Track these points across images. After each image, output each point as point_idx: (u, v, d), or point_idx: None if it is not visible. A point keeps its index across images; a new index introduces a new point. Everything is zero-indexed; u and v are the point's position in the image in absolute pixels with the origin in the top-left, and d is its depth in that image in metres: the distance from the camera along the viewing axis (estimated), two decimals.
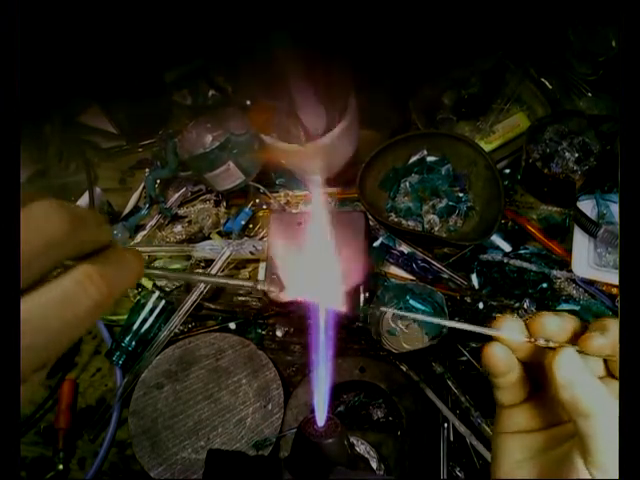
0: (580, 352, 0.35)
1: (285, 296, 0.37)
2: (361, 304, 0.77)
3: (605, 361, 0.37)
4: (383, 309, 0.77)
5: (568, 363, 0.34)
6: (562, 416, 0.39)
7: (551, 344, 0.36)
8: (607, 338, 0.35)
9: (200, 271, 0.89)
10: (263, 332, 0.83)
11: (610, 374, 0.37)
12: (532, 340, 0.36)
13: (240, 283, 0.38)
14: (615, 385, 0.35)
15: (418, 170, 0.88)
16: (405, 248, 0.85)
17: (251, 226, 0.94)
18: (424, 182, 0.87)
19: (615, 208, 0.79)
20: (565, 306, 0.77)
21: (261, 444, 0.74)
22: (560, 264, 0.80)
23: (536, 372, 0.39)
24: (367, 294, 0.78)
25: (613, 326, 0.35)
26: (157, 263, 0.91)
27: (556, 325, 0.36)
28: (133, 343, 0.84)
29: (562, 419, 0.38)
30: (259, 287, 0.36)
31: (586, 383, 0.33)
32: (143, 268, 0.31)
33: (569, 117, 0.81)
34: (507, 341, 0.37)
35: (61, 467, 0.80)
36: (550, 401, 0.39)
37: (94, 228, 0.28)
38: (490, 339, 0.38)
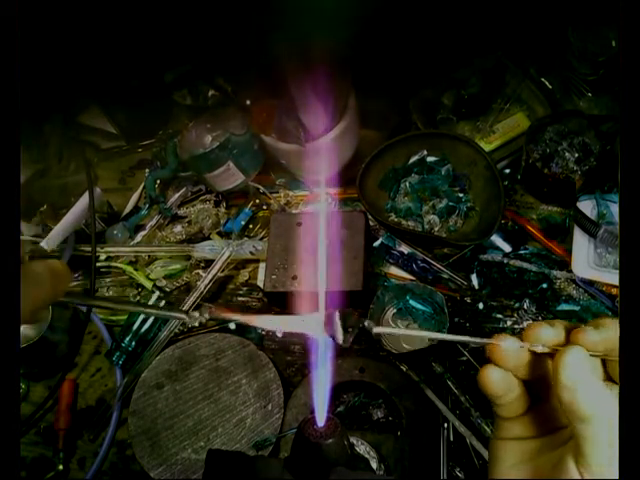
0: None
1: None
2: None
3: (604, 363, 0.36)
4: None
5: (574, 363, 0.33)
6: (559, 424, 0.38)
7: (547, 349, 0.35)
8: (601, 335, 0.34)
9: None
10: (263, 332, 0.83)
11: (609, 377, 0.36)
12: (529, 346, 0.36)
13: (168, 314, 0.39)
14: (613, 389, 0.34)
15: (418, 170, 0.88)
16: (405, 248, 0.85)
17: (251, 226, 0.94)
18: (424, 182, 0.87)
19: (615, 208, 0.79)
20: (565, 306, 0.77)
21: (261, 444, 0.74)
22: (560, 264, 0.80)
23: (536, 386, 0.39)
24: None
25: (610, 324, 0.34)
26: (157, 263, 0.91)
27: (551, 333, 0.36)
28: (133, 343, 0.84)
29: (559, 426, 0.38)
30: (188, 321, 0.36)
31: (589, 386, 0.33)
32: (63, 287, 0.31)
33: (569, 117, 0.82)
34: (505, 363, 0.37)
35: (61, 467, 0.80)
36: (549, 411, 0.39)
37: None
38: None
